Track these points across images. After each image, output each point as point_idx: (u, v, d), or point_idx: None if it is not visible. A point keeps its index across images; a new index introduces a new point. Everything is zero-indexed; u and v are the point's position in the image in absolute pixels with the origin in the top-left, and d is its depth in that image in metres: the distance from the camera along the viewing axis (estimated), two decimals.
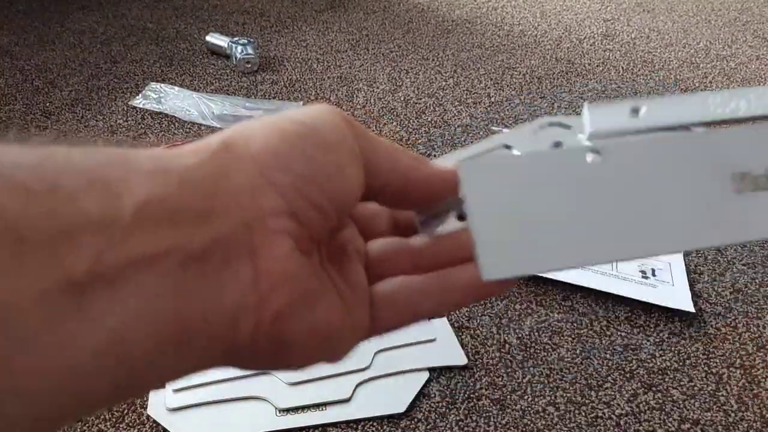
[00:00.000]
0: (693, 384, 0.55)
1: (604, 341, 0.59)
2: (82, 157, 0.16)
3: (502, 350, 0.57)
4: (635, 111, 0.22)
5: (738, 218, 0.20)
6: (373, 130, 0.87)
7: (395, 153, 0.21)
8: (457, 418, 0.52)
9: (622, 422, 0.52)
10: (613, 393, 0.54)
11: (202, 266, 0.17)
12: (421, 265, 0.23)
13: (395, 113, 0.92)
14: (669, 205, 0.20)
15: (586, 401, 0.54)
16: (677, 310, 0.61)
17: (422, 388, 0.54)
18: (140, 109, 0.90)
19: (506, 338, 0.58)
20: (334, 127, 0.20)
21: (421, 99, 0.96)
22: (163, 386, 0.18)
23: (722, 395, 0.54)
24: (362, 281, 0.22)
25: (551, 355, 0.57)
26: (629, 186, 0.20)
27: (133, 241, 0.15)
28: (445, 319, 0.59)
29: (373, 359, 0.55)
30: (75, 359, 0.15)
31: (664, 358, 0.57)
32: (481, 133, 0.88)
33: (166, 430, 0.50)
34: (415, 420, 0.52)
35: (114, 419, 0.50)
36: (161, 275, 0.16)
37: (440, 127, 0.89)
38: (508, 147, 0.24)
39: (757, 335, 0.60)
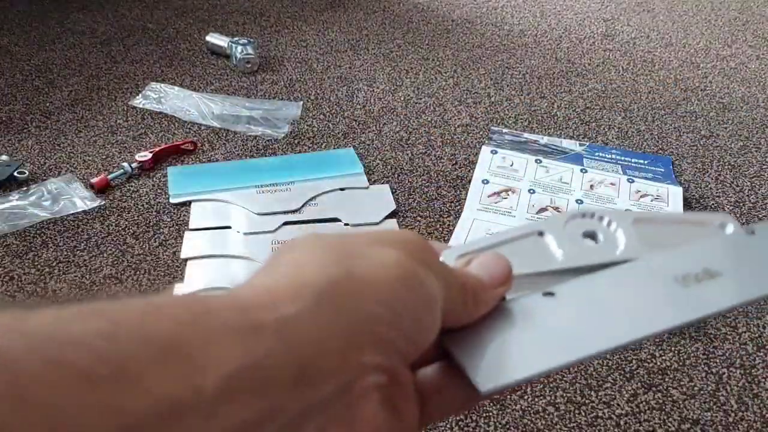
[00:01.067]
0: (693, 384, 0.55)
1: None
2: (155, 322, 0.14)
3: None
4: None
5: (690, 302, 0.23)
6: (373, 130, 0.87)
7: (465, 300, 0.21)
8: (457, 417, 0.52)
9: (622, 422, 0.52)
10: (613, 393, 0.54)
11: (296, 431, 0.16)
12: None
13: (395, 113, 0.92)
14: (627, 306, 0.23)
15: (586, 401, 0.54)
16: None
17: None
18: (140, 109, 0.90)
19: None
20: (432, 280, 0.19)
21: (421, 99, 0.96)
22: None
23: (722, 395, 0.54)
24: (413, 420, 0.22)
25: None
26: (584, 303, 0.24)
27: (222, 416, 0.14)
28: None
29: None
30: None
31: (664, 358, 0.57)
32: (481, 133, 0.88)
33: None
34: None
35: None
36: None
37: (440, 127, 0.89)
38: (541, 234, 0.26)
39: (757, 335, 0.60)
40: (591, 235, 0.26)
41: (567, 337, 0.22)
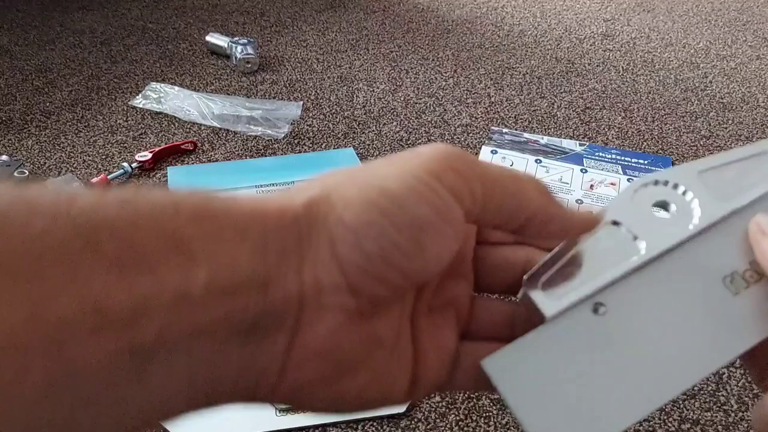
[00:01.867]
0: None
1: None
2: (171, 218, 0.16)
3: None
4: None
5: (746, 320, 0.22)
6: (373, 130, 0.87)
7: (520, 193, 0.20)
8: (457, 418, 0.52)
9: None
10: None
11: (247, 335, 0.17)
12: (516, 335, 0.22)
13: (395, 113, 0.92)
14: (684, 335, 0.22)
15: None
16: None
17: None
18: (140, 109, 0.90)
19: None
20: (427, 197, 0.18)
21: (421, 99, 0.96)
22: None
23: (722, 395, 0.54)
24: (447, 345, 0.22)
25: None
26: (640, 328, 0.22)
27: (199, 314, 0.16)
28: None
29: None
30: (125, 421, 0.16)
31: None
32: (481, 133, 0.88)
33: (166, 430, 0.50)
34: (415, 420, 0.51)
35: None
36: (214, 344, 0.17)
37: (440, 127, 0.89)
38: (616, 223, 0.23)
39: None
40: (662, 206, 0.24)
41: (634, 378, 0.21)
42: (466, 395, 0.53)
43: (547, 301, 0.22)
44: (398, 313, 0.21)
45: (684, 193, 0.24)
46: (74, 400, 0.15)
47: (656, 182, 0.24)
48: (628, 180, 0.79)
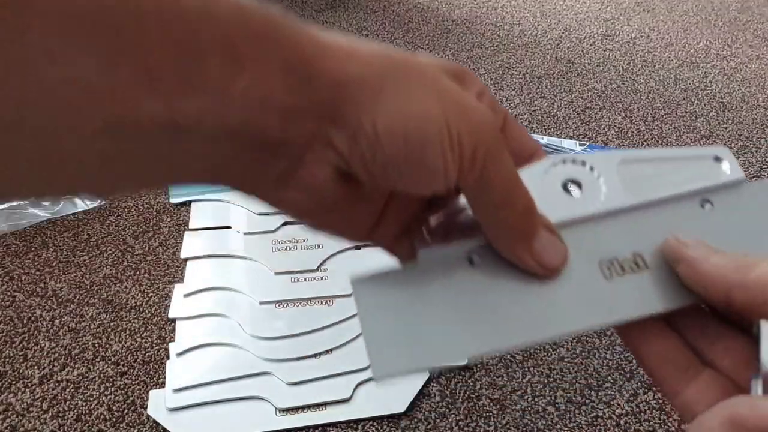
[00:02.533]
0: None
1: (604, 341, 0.59)
2: (242, 28, 0.18)
3: None
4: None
5: (611, 302, 0.23)
6: None
7: (509, 199, 0.22)
8: (457, 418, 0.52)
9: (622, 422, 0.52)
10: (613, 393, 0.54)
11: (261, 150, 0.20)
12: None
13: None
14: (546, 295, 0.23)
15: (586, 401, 0.54)
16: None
17: (422, 388, 0.54)
18: None
19: None
20: (446, 157, 0.20)
21: None
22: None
23: None
24: (402, 225, 0.25)
25: (551, 355, 0.57)
26: (507, 282, 0.23)
27: (230, 112, 0.18)
28: None
29: None
30: (151, 176, 0.20)
31: None
32: None
33: (166, 430, 0.50)
34: (415, 420, 0.52)
35: (114, 419, 0.50)
36: (234, 143, 0.19)
37: None
38: None
39: (757, 335, 0.60)
40: (572, 184, 0.25)
41: (483, 323, 0.22)
42: (466, 395, 0.53)
43: (421, 242, 0.24)
44: (376, 195, 0.24)
45: (597, 177, 0.25)
46: (120, 147, 0.17)
47: (574, 161, 0.25)
48: None
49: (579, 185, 0.25)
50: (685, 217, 0.24)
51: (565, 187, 0.25)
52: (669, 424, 0.52)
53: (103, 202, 0.72)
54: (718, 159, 0.25)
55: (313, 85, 0.19)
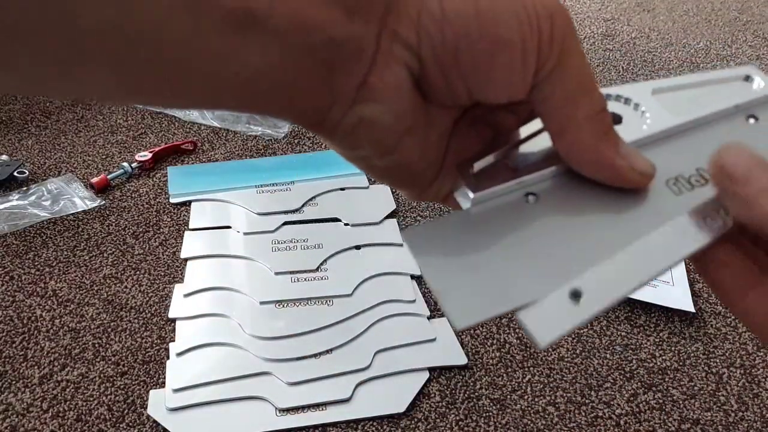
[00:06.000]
0: (693, 384, 0.55)
1: (604, 341, 0.59)
2: None
3: (502, 350, 0.57)
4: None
5: (692, 223, 0.21)
6: None
7: (588, 90, 0.21)
8: (457, 418, 0.52)
9: (622, 422, 0.52)
10: (613, 393, 0.54)
11: (334, 48, 0.19)
12: None
13: None
14: (613, 229, 0.21)
15: (586, 401, 0.54)
16: (677, 309, 0.61)
17: (422, 388, 0.54)
18: (140, 108, 0.90)
19: (506, 338, 0.58)
20: (522, 29, 0.19)
21: None
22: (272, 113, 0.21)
23: (722, 395, 0.54)
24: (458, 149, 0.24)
25: (551, 355, 0.57)
26: (574, 215, 0.22)
27: (299, 5, 0.18)
28: (445, 318, 0.59)
29: (373, 359, 0.55)
30: (220, 80, 0.18)
31: (664, 358, 0.57)
32: None
33: (166, 430, 0.50)
34: (415, 420, 0.52)
35: (114, 419, 0.50)
36: (303, 49, 0.18)
37: None
38: None
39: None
40: (614, 117, 0.24)
41: (555, 259, 0.21)
42: (466, 395, 0.53)
43: (475, 186, 0.22)
44: (445, 118, 0.22)
45: (636, 107, 0.24)
46: (194, 25, 0.17)
47: (607, 96, 0.24)
48: None
49: (619, 117, 0.24)
50: (736, 134, 0.24)
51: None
52: (669, 424, 0.52)
53: (103, 202, 0.72)
54: (748, 78, 0.25)
55: None
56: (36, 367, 0.54)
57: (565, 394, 0.54)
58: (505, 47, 0.19)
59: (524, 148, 0.24)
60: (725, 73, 0.26)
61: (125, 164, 0.76)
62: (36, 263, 0.64)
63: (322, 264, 0.64)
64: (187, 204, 0.72)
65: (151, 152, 0.78)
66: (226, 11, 0.17)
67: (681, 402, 0.54)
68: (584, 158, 0.21)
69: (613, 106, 0.24)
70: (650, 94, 0.24)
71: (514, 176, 0.23)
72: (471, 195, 0.22)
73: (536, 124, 0.24)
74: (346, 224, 0.69)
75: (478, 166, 0.23)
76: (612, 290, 0.20)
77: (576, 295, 0.20)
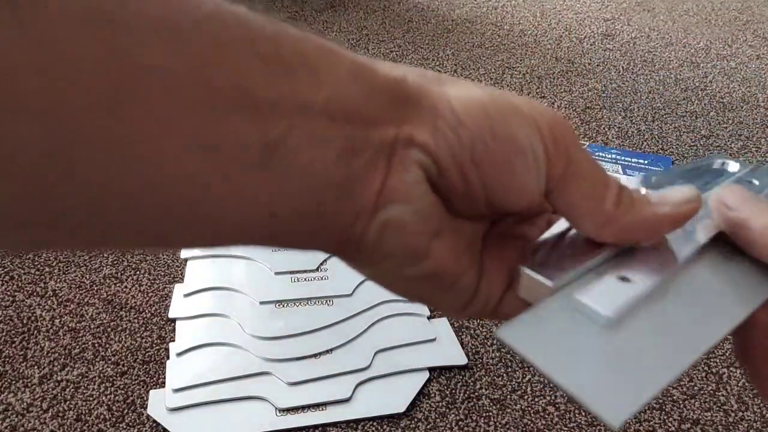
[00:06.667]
0: (693, 384, 0.55)
1: None
2: (306, 42, 0.18)
3: (502, 350, 0.57)
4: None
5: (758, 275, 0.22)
6: None
7: (595, 203, 0.21)
8: (457, 418, 0.52)
9: None
10: None
11: (351, 159, 0.19)
12: None
13: None
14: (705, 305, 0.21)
15: None
16: None
17: (422, 388, 0.54)
18: None
19: None
20: (528, 130, 0.20)
21: None
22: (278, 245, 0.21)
23: (722, 395, 0.54)
24: (509, 266, 0.23)
25: None
26: (664, 301, 0.21)
27: (316, 126, 0.18)
28: (445, 318, 0.59)
29: (373, 359, 0.55)
30: (247, 205, 0.18)
31: None
32: None
33: (166, 430, 0.50)
34: (415, 420, 0.52)
35: (114, 419, 0.50)
36: (326, 155, 0.18)
37: None
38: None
39: None
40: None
41: (668, 340, 0.20)
42: (466, 395, 0.53)
43: (551, 274, 0.22)
44: (471, 229, 0.22)
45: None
46: (213, 167, 0.17)
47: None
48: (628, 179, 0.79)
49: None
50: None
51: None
52: (669, 424, 0.52)
53: None
54: (723, 164, 0.27)
55: (380, 87, 0.19)
56: (36, 367, 0.54)
57: (565, 394, 0.54)
58: (519, 149, 0.20)
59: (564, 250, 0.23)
60: (697, 164, 0.27)
61: None
62: (36, 263, 0.64)
63: (322, 264, 0.64)
64: None
65: None
66: (242, 132, 0.17)
67: (681, 402, 0.54)
68: (632, 235, 0.22)
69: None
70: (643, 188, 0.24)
71: (583, 260, 0.22)
72: (549, 283, 0.21)
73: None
74: None
75: (539, 257, 0.22)
76: (656, 273, 0.21)
77: (624, 279, 0.21)
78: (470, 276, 0.22)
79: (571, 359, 0.19)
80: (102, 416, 0.51)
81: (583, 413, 0.53)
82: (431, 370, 0.55)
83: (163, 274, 0.64)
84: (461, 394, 0.53)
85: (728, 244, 0.23)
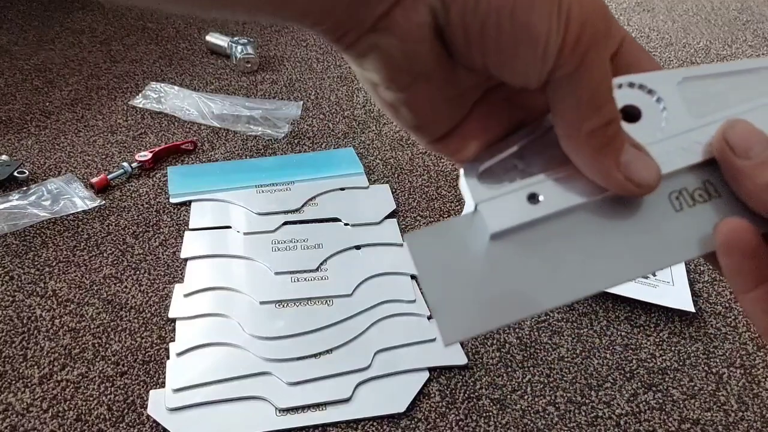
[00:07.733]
0: (693, 384, 0.55)
1: (604, 341, 0.59)
2: None
3: (502, 350, 0.57)
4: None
5: (679, 237, 0.21)
6: (373, 130, 0.87)
7: (576, 117, 0.20)
8: (457, 418, 0.52)
9: (622, 422, 0.52)
10: (613, 393, 0.54)
11: None
12: None
13: None
14: (612, 238, 0.21)
15: (586, 401, 0.54)
16: (677, 309, 0.61)
17: (422, 388, 0.54)
18: (140, 108, 0.90)
19: (506, 338, 0.58)
20: (564, 26, 0.19)
21: None
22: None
23: (722, 395, 0.54)
24: (492, 131, 0.23)
25: (551, 355, 0.57)
26: (576, 221, 0.21)
27: None
28: None
29: (373, 359, 0.55)
30: None
31: (664, 357, 0.57)
32: None
33: (166, 430, 0.50)
34: (415, 420, 0.52)
35: (114, 419, 0.50)
36: None
37: None
38: None
39: (757, 335, 0.60)
40: (632, 111, 0.23)
41: (547, 276, 0.20)
42: (466, 395, 0.53)
43: (480, 188, 0.22)
44: (470, 82, 0.22)
45: (658, 100, 0.23)
46: None
47: (632, 84, 0.23)
48: None
49: (638, 113, 0.23)
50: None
51: (625, 114, 0.23)
52: (669, 424, 0.52)
53: (103, 202, 0.72)
54: None
55: None
56: (36, 367, 0.54)
57: (565, 394, 0.54)
58: (531, 40, 0.19)
59: (536, 148, 0.23)
60: (763, 62, 0.24)
61: (125, 164, 0.76)
62: (36, 263, 0.64)
63: (322, 264, 0.64)
64: (187, 204, 0.72)
65: (151, 152, 0.78)
66: None
67: (681, 402, 0.54)
68: (582, 166, 0.21)
69: (635, 97, 0.23)
70: (676, 85, 0.23)
71: (521, 176, 0.22)
72: (475, 201, 0.21)
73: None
74: (346, 224, 0.69)
75: (484, 166, 0.22)
76: (569, 200, 0.21)
77: (533, 198, 0.21)
78: (444, 125, 0.22)
79: (447, 273, 0.20)
80: (102, 416, 0.51)
81: (583, 413, 0.53)
82: (431, 370, 0.55)
83: (163, 274, 0.64)
84: (461, 394, 0.54)
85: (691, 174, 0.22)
